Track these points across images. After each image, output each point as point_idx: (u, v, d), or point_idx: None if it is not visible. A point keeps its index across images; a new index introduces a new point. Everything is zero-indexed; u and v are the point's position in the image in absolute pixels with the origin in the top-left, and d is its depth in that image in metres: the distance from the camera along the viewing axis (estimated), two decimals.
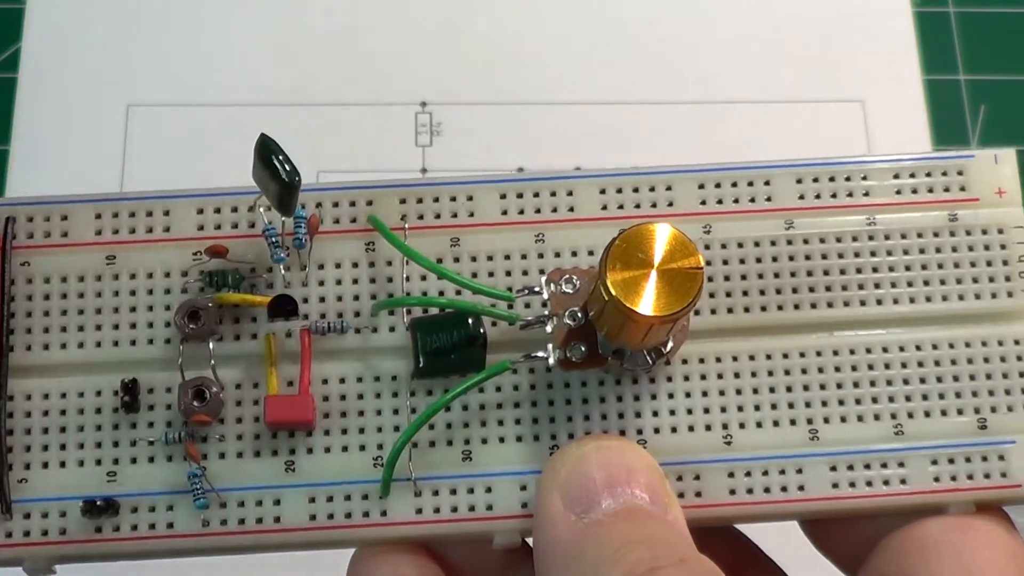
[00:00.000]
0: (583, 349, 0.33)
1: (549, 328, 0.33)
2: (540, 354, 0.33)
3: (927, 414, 0.35)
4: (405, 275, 0.34)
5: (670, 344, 0.33)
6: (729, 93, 0.62)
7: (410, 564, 0.34)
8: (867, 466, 0.34)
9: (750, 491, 0.34)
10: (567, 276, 0.33)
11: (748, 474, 0.34)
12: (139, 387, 0.34)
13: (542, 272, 0.35)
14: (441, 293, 0.34)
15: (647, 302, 0.30)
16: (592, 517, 0.31)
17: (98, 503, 0.32)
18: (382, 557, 0.34)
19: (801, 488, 0.34)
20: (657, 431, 0.34)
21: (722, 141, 0.59)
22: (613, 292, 0.30)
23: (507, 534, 0.34)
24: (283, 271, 0.34)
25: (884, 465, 0.34)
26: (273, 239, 0.34)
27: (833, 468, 0.34)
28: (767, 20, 0.64)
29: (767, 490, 0.34)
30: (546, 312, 0.33)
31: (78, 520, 0.33)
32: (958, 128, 0.61)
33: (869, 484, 0.34)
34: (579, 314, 0.33)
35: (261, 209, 0.34)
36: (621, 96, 0.61)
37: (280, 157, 0.31)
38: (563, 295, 0.33)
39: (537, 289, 0.34)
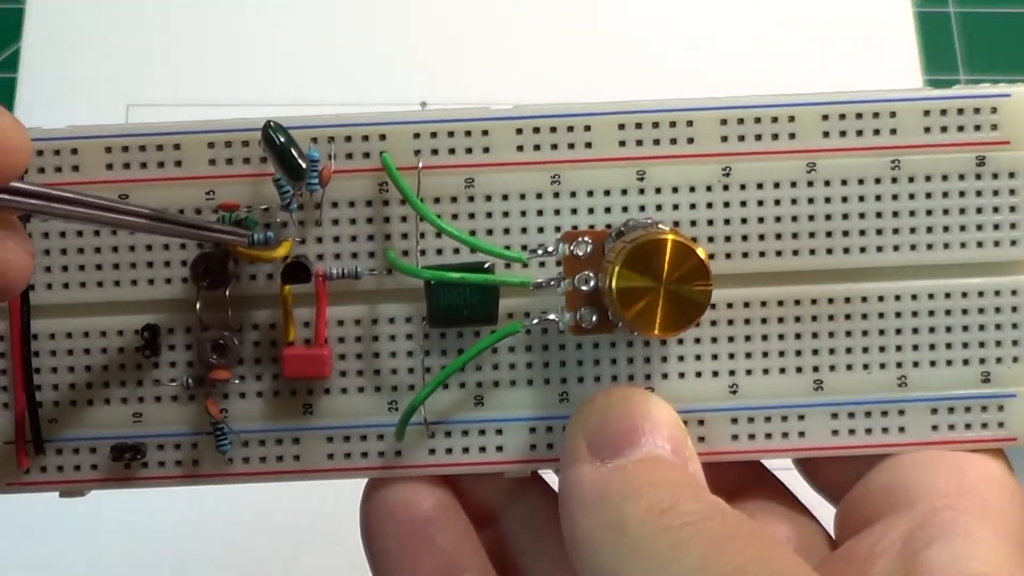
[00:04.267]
0: (594, 317, 0.35)
1: (560, 290, 0.35)
2: (551, 316, 0.35)
3: (932, 364, 0.37)
4: (419, 216, 0.35)
5: None
6: (729, 93, 0.60)
7: (424, 490, 0.38)
8: (868, 414, 0.37)
9: (752, 437, 0.37)
10: (581, 238, 0.35)
11: (751, 420, 0.37)
12: (159, 331, 0.36)
13: (557, 213, 0.36)
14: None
15: (646, 320, 0.32)
16: (616, 463, 0.34)
17: (126, 452, 0.36)
18: (395, 483, 0.38)
19: (802, 435, 0.37)
20: (665, 377, 0.36)
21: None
22: (624, 314, 0.32)
23: (516, 472, 0.37)
24: (294, 217, 0.36)
25: (885, 414, 0.37)
26: (284, 190, 0.35)
27: (835, 416, 0.37)
28: (767, 20, 0.64)
29: (768, 436, 0.37)
30: (558, 273, 0.35)
31: (107, 458, 0.36)
32: None
33: (868, 432, 0.37)
34: (591, 280, 0.35)
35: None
36: (621, 96, 0.60)
37: (284, 142, 0.33)
38: (576, 258, 0.35)
39: (550, 250, 0.35)
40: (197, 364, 0.36)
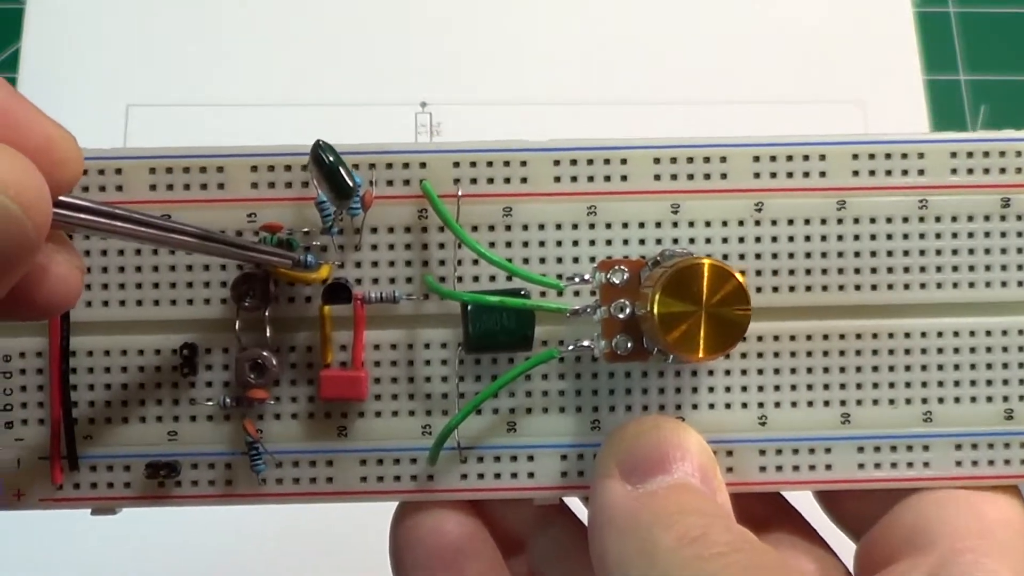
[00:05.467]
0: (629, 344, 0.36)
1: (596, 318, 0.36)
2: (586, 343, 0.36)
3: (956, 400, 0.38)
4: (457, 243, 0.37)
5: None
6: (729, 93, 0.63)
7: (452, 517, 0.38)
8: (893, 448, 0.38)
9: (779, 469, 0.38)
10: (617, 267, 0.36)
11: (779, 452, 0.38)
12: (197, 351, 0.37)
13: (592, 243, 0.37)
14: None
15: (694, 345, 0.33)
16: (647, 488, 0.35)
17: (161, 469, 0.36)
18: (426, 510, 0.38)
19: (828, 468, 0.38)
20: (695, 407, 0.37)
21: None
22: (665, 339, 0.33)
23: (547, 498, 0.38)
24: (335, 240, 0.37)
25: (910, 448, 0.38)
26: (326, 213, 0.36)
27: (860, 449, 0.38)
28: (767, 21, 0.66)
29: (796, 468, 0.38)
30: (594, 302, 0.36)
31: (141, 476, 0.37)
32: (958, 128, 0.63)
33: (894, 466, 0.38)
34: (627, 308, 0.36)
35: (314, 180, 0.36)
36: (621, 96, 0.63)
37: (332, 160, 0.34)
38: (612, 286, 0.36)
39: (587, 278, 0.36)
40: (234, 384, 0.37)
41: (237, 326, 0.36)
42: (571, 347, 0.36)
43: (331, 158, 0.34)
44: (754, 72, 0.65)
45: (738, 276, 0.34)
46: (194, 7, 0.66)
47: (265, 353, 0.36)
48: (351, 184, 0.34)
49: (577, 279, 0.36)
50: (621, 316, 0.36)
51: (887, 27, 0.66)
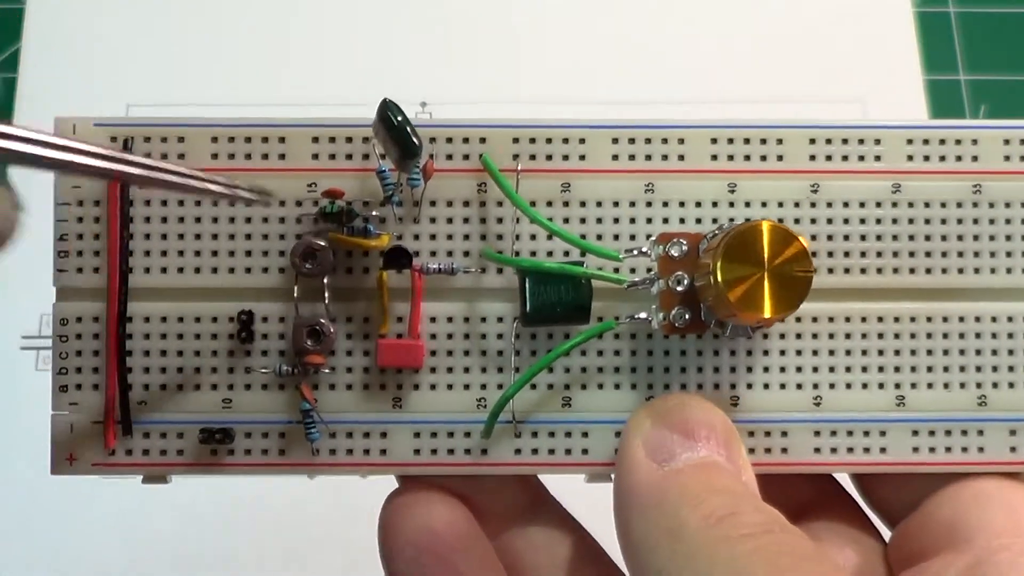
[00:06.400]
0: (687, 316, 0.36)
1: (654, 290, 0.36)
2: (643, 316, 0.37)
3: (1011, 385, 0.38)
4: (516, 217, 0.37)
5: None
6: (729, 93, 0.64)
7: (441, 505, 0.38)
8: (948, 432, 0.38)
9: (834, 451, 0.38)
10: (675, 240, 0.36)
11: (834, 434, 0.38)
12: (254, 318, 0.37)
13: (649, 221, 0.38)
14: (550, 237, 0.37)
15: (763, 306, 0.33)
16: (672, 466, 0.35)
17: (216, 433, 0.37)
18: (415, 496, 0.38)
19: (883, 451, 0.38)
20: (750, 387, 0.38)
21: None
22: (728, 297, 0.33)
23: (599, 477, 0.38)
24: (396, 209, 0.37)
25: (964, 433, 0.38)
26: (387, 181, 0.36)
27: (915, 433, 0.38)
28: (767, 20, 0.66)
29: (850, 450, 0.38)
30: (652, 274, 0.37)
31: (194, 442, 0.37)
32: None
33: (948, 450, 0.38)
34: (685, 280, 0.36)
35: (375, 145, 0.37)
36: (621, 96, 0.63)
37: (401, 120, 0.34)
38: (670, 259, 0.36)
39: (645, 250, 0.36)
40: (291, 350, 0.37)
41: (295, 293, 0.37)
42: (628, 318, 0.37)
43: (399, 117, 0.34)
44: (754, 72, 0.66)
45: (801, 239, 0.34)
46: (194, 7, 0.66)
47: (323, 320, 0.37)
48: (417, 142, 0.34)
49: (636, 251, 0.37)
50: (679, 288, 0.36)
51: (887, 27, 0.67)
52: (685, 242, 0.36)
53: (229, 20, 0.66)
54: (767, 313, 0.33)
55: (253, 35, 0.66)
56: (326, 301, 0.37)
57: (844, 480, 0.40)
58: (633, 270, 0.37)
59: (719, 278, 0.33)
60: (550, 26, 0.67)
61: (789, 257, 0.34)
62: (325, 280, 0.37)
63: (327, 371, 0.37)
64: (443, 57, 0.66)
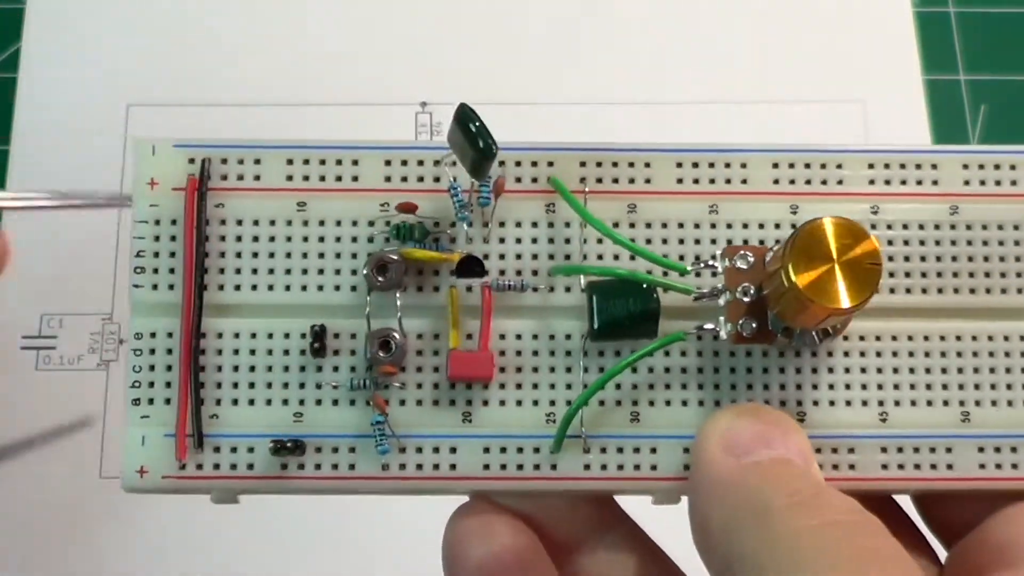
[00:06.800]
0: (754, 325, 0.37)
1: (722, 301, 0.37)
2: (711, 326, 0.37)
3: None
4: (583, 238, 0.38)
5: (839, 326, 0.38)
6: (729, 93, 0.65)
7: (506, 527, 0.38)
8: (1013, 449, 0.38)
9: (901, 467, 0.38)
10: (742, 252, 0.37)
11: (900, 450, 0.38)
12: (327, 333, 0.38)
13: (714, 242, 0.39)
14: (616, 257, 0.38)
15: (837, 295, 0.34)
16: (752, 459, 0.35)
17: (288, 443, 0.37)
18: (480, 519, 0.38)
19: (949, 467, 0.38)
20: (816, 404, 0.38)
21: (722, 141, 0.62)
22: (805, 292, 0.34)
23: (667, 493, 0.38)
24: (467, 228, 0.38)
25: None
26: (458, 198, 0.37)
27: (981, 450, 0.38)
28: (767, 20, 0.67)
29: (917, 467, 0.38)
30: (720, 286, 0.37)
31: (265, 457, 0.37)
32: (958, 128, 0.64)
33: (1015, 467, 0.38)
34: (752, 291, 0.37)
35: (447, 167, 0.38)
36: (621, 96, 0.65)
37: (479, 124, 0.35)
38: (737, 271, 0.37)
39: (713, 263, 0.37)
40: (363, 363, 0.37)
41: (368, 299, 0.37)
42: (696, 329, 0.37)
43: (477, 122, 0.35)
44: (753, 72, 0.66)
45: (873, 240, 0.34)
46: (194, 7, 0.67)
47: (395, 332, 0.37)
48: (493, 143, 0.35)
49: (703, 263, 0.37)
50: (746, 299, 0.37)
51: (886, 27, 0.67)
52: (751, 254, 0.37)
53: (229, 20, 0.67)
54: (843, 303, 0.34)
55: (253, 35, 0.66)
56: (398, 314, 0.37)
57: (901, 499, 0.40)
58: (698, 288, 0.38)
59: (791, 274, 0.34)
60: (550, 26, 0.67)
61: (860, 254, 0.34)
62: (397, 295, 0.37)
63: (398, 385, 0.38)
64: (443, 57, 0.66)
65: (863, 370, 0.38)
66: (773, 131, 0.63)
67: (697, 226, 0.39)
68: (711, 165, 0.39)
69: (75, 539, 0.57)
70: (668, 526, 0.39)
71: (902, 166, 0.39)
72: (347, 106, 0.64)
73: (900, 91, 0.65)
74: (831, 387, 0.38)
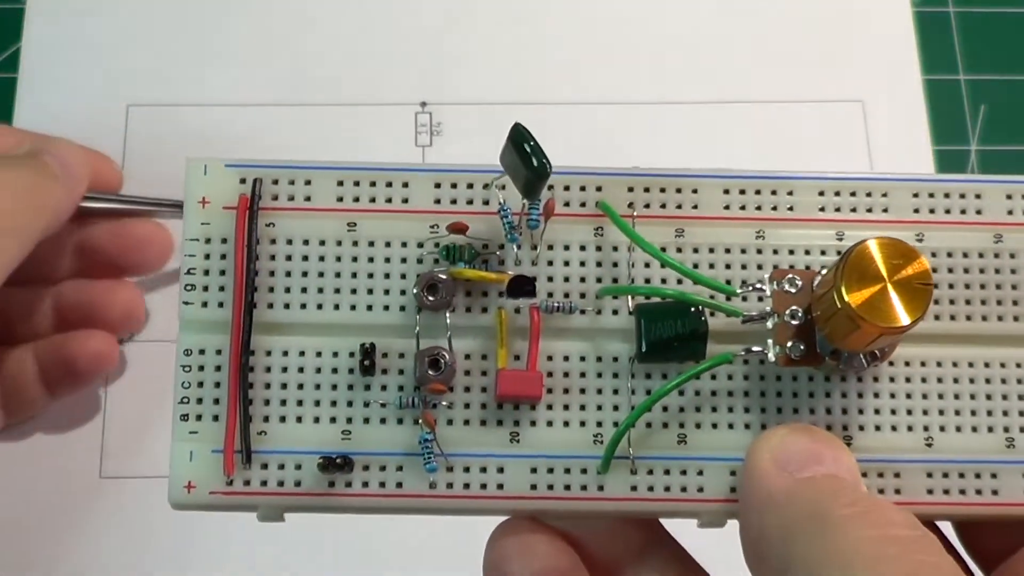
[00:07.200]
0: (802, 347, 0.37)
1: (770, 324, 0.37)
2: (759, 349, 0.37)
3: None
4: (631, 262, 0.39)
5: (886, 349, 0.38)
6: (729, 93, 0.65)
7: (550, 548, 0.38)
8: None
9: (947, 492, 0.38)
10: (790, 276, 0.37)
11: (946, 475, 0.38)
12: (376, 351, 0.38)
13: (760, 267, 0.39)
14: (663, 281, 0.39)
15: (889, 315, 0.34)
16: (804, 474, 0.35)
17: (336, 459, 0.37)
18: (523, 538, 0.38)
19: (995, 492, 0.38)
20: (862, 428, 0.38)
21: (722, 141, 0.63)
22: (857, 312, 0.34)
23: (713, 516, 0.38)
24: (516, 250, 0.38)
25: None
26: (508, 220, 0.38)
27: None
28: (767, 20, 0.67)
29: (962, 492, 0.38)
30: (768, 309, 0.38)
31: (313, 474, 0.37)
32: (958, 128, 0.64)
33: None
34: (800, 314, 0.37)
35: (497, 188, 0.38)
36: (621, 96, 0.64)
37: (533, 144, 0.35)
38: (785, 294, 0.37)
39: (761, 286, 0.38)
40: (411, 381, 0.38)
41: (417, 327, 0.38)
42: (744, 351, 0.37)
43: (532, 141, 0.35)
44: (753, 72, 0.65)
45: (923, 260, 0.34)
46: (194, 7, 0.66)
47: (445, 351, 0.37)
48: (547, 162, 0.36)
49: (751, 287, 0.38)
50: (794, 322, 0.37)
51: (886, 27, 0.67)
52: (799, 278, 0.37)
53: (228, 20, 0.66)
54: (897, 322, 0.34)
55: (253, 35, 0.66)
56: (448, 333, 0.38)
57: (942, 525, 0.41)
58: (745, 299, 0.38)
59: (844, 294, 0.34)
60: (551, 26, 0.67)
61: (912, 274, 0.34)
62: (447, 314, 0.38)
63: (446, 404, 0.38)
64: (443, 57, 0.65)
65: (908, 395, 0.39)
66: (772, 131, 0.63)
67: (744, 251, 0.39)
68: (757, 192, 0.39)
69: (75, 539, 0.56)
70: (712, 551, 0.39)
71: (946, 195, 0.40)
72: (347, 106, 0.64)
73: (900, 91, 0.65)
74: (877, 412, 0.38)
